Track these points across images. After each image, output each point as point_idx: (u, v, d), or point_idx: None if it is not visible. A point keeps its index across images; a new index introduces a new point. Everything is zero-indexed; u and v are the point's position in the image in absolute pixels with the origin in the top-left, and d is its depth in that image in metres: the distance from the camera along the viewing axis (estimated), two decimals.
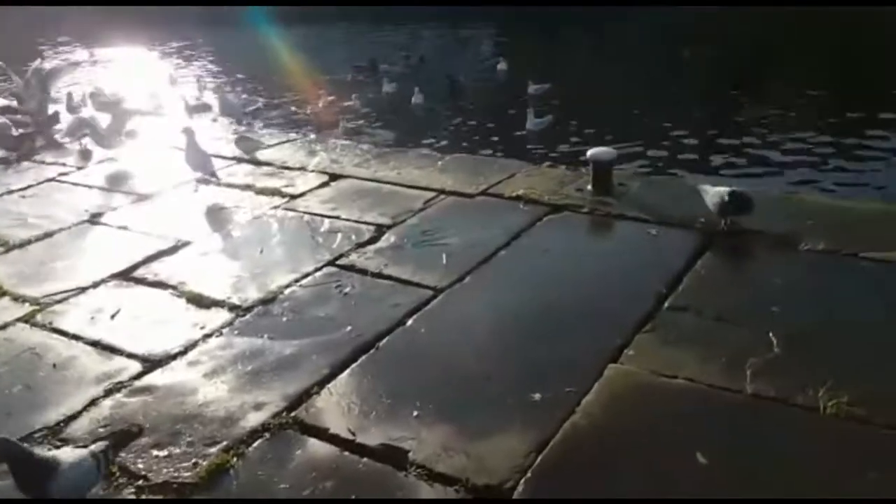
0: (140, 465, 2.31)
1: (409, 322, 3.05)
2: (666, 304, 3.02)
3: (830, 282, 3.12)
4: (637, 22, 16.52)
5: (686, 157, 7.82)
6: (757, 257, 3.40)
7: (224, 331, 3.08)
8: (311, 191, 4.70)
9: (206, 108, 10.78)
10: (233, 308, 3.25)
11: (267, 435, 2.43)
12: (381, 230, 4.00)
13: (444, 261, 3.57)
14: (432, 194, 4.48)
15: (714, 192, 3.57)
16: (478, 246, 3.69)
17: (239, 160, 5.40)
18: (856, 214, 3.70)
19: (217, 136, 6.19)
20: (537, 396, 2.49)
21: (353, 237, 3.92)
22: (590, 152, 4.28)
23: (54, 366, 2.88)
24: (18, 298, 3.44)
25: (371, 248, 3.80)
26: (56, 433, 2.50)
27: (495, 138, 8.97)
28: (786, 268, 3.24)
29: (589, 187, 4.23)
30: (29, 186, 5.11)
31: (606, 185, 4.18)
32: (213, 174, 4.77)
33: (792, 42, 13.80)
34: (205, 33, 19.73)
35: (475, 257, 3.57)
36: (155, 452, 2.36)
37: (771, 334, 2.73)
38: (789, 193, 4.33)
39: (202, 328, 3.10)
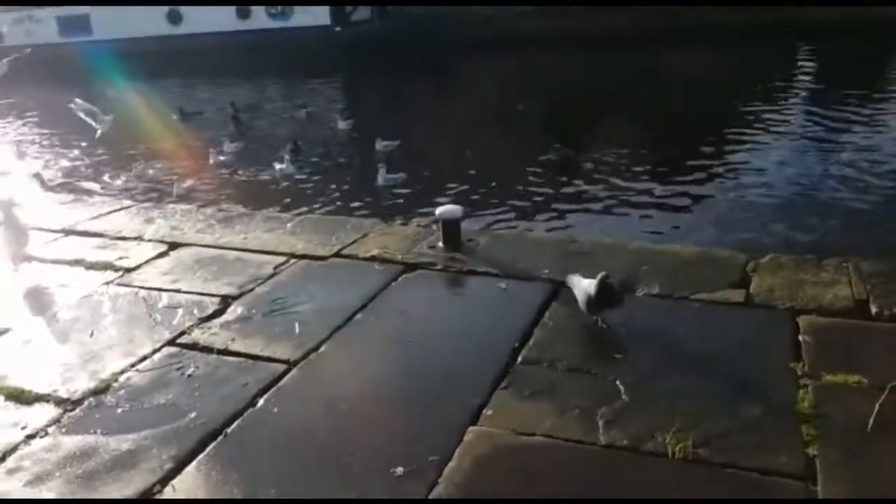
0: None
1: (260, 402, 2.88)
2: (520, 359, 3.06)
3: (667, 325, 3.31)
4: (478, 68, 17.26)
5: (527, 209, 8.19)
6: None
7: (50, 429, 2.76)
8: (147, 262, 4.40)
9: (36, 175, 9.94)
10: (60, 402, 2.94)
11: None
12: (226, 301, 3.80)
13: (297, 330, 3.44)
14: (283, 259, 4.34)
15: (582, 289, 3.27)
16: (333, 311, 3.59)
17: (67, 232, 4.98)
18: (682, 258, 3.98)
19: (42, 205, 5.69)
20: (400, 470, 2.42)
21: (196, 311, 3.69)
22: (438, 210, 4.34)
23: None
24: None
25: (216, 321, 3.59)
26: None
27: (345, 198, 8.94)
28: (625, 313, 3.40)
29: (440, 244, 4.28)
30: None
31: (456, 241, 4.24)
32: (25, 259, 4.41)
33: (619, 89, 14.96)
34: (32, 92, 18.37)
35: (330, 324, 3.46)
36: None
37: (618, 382, 2.83)
38: (622, 240, 4.59)
39: (23, 428, 2.77)
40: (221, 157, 9.97)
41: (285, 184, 9.21)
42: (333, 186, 9.41)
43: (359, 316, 3.57)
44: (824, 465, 2.34)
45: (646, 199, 8.37)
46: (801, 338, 3.06)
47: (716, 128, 11.36)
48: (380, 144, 10.51)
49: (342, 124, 12.15)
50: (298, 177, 9.41)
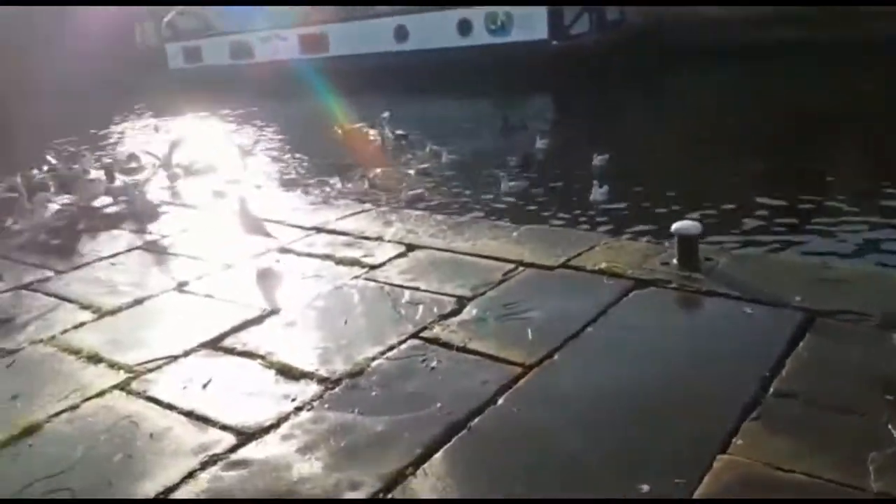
0: None
1: (500, 401, 2.99)
2: (771, 390, 2.89)
3: None
4: (702, 80, 16.43)
5: (764, 230, 7.55)
6: (865, 340, 3.24)
7: (314, 404, 3.07)
8: (389, 261, 4.73)
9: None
10: (321, 380, 3.25)
11: None
12: (462, 302, 3.98)
13: (530, 336, 3.52)
14: (511, 266, 4.46)
15: None
16: (563, 321, 3.63)
17: (318, 230, 5.50)
18: None
19: (294, 206, 6.34)
20: (645, 488, 2.38)
21: (435, 309, 3.91)
22: (674, 226, 4.21)
23: (151, 436, 2.90)
24: (113, 366, 3.51)
25: (454, 320, 3.77)
26: None
27: (562, 209, 8.94)
28: (892, 353, 3.08)
29: (674, 261, 4.16)
30: (117, 254, 5.31)
31: (693, 259, 4.09)
32: (268, 235, 5.03)
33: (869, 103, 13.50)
34: (263, 103, 20.51)
35: (562, 333, 3.50)
36: None
37: (890, 426, 2.57)
38: (885, 271, 4.15)
39: (293, 400, 3.10)
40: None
41: (506, 196, 9.42)
42: (548, 199, 9.47)
43: (590, 329, 3.56)
44: None
45: None
46: None
47: None
48: (596, 160, 10.41)
49: (540, 143, 12.06)
50: (519, 190, 9.57)
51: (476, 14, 20.07)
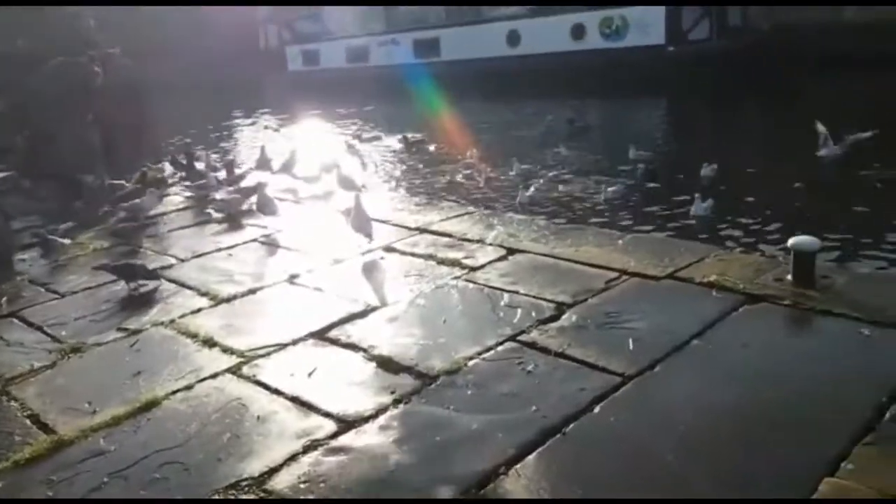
0: None
1: (597, 409, 2.96)
2: (887, 415, 2.72)
3: None
4: (828, 90, 15.50)
5: (887, 250, 7.11)
6: None
7: (412, 398, 3.15)
8: (489, 263, 4.78)
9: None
10: (419, 376, 3.33)
11: None
12: (561, 308, 3.96)
13: (631, 346, 3.46)
14: (614, 274, 4.39)
15: None
16: (667, 333, 3.54)
17: (421, 231, 5.62)
18: None
19: (398, 206, 6.50)
20: None
21: (534, 314, 3.91)
22: (791, 241, 4.02)
23: (258, 418, 3.07)
24: (227, 350, 3.73)
25: (552, 325, 3.77)
26: (260, 484, 2.65)
27: (668, 220, 8.69)
28: None
29: (788, 277, 3.97)
30: (235, 245, 5.63)
31: (809, 276, 3.90)
32: (370, 236, 5.18)
33: None
34: (377, 103, 21.03)
35: (665, 345, 3.42)
36: None
37: None
38: None
39: (392, 393, 3.20)
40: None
41: (615, 201, 9.27)
42: (656, 209, 9.22)
43: (695, 342, 3.46)
44: None
45: None
46: None
47: None
48: (706, 169, 10.02)
49: (633, 153, 11.65)
50: (621, 199, 9.40)
51: (591, 18, 19.82)
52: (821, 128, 9.92)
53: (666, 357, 3.34)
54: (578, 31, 20.05)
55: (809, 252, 3.91)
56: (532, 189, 9.72)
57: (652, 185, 9.98)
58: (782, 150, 11.48)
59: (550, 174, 10.73)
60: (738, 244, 6.99)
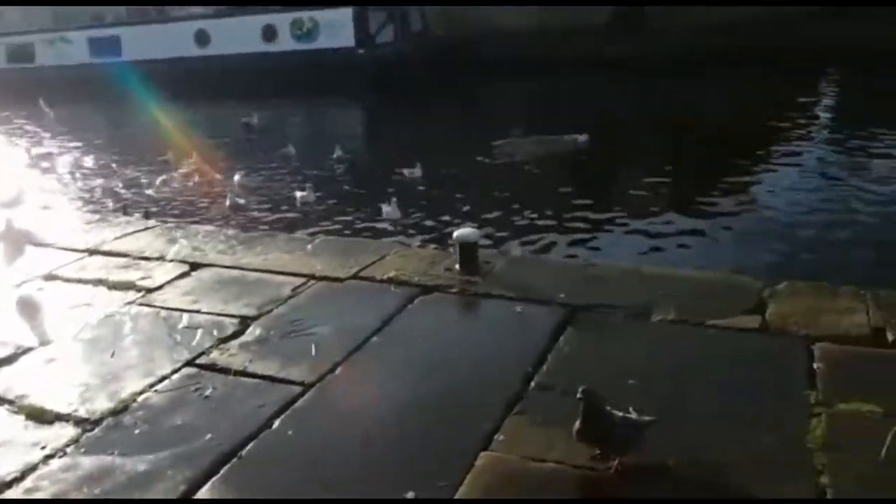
0: None
1: (276, 424, 2.92)
2: (532, 384, 3.07)
3: (682, 350, 3.30)
4: (501, 92, 17.23)
5: (543, 233, 8.21)
6: (615, 330, 3.55)
7: (68, 449, 2.81)
8: (169, 283, 4.48)
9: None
10: (79, 422, 2.99)
11: None
12: (245, 322, 3.85)
13: (314, 352, 3.48)
14: (301, 280, 4.39)
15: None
16: (349, 333, 3.62)
17: (91, 252, 5.08)
18: (698, 284, 3.97)
19: (71, 225, 5.82)
20: (410, 495, 2.43)
21: (215, 332, 3.74)
22: (455, 233, 4.38)
23: None
24: None
25: (234, 343, 3.64)
26: None
27: (365, 220, 9.00)
28: (641, 339, 3.39)
29: (457, 267, 4.31)
30: None
31: (473, 264, 4.27)
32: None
33: (642, 117, 14.92)
34: (55, 110, 18.81)
35: (346, 346, 3.50)
36: None
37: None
38: (639, 265, 4.59)
39: (43, 448, 2.82)
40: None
41: (306, 208, 9.31)
42: (351, 209, 9.47)
43: (374, 339, 3.59)
44: (836, 494, 2.32)
45: (664, 225, 8.38)
46: (815, 365, 3.04)
47: (736, 155, 11.27)
48: (406, 172, 10.45)
49: (338, 152, 11.96)
50: (318, 203, 9.50)
51: (281, 19, 19.69)
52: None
53: (347, 358, 3.41)
54: (270, 33, 19.80)
55: (470, 242, 4.29)
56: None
57: (348, 187, 10.25)
58: (463, 149, 12.54)
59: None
60: (421, 240, 7.48)
